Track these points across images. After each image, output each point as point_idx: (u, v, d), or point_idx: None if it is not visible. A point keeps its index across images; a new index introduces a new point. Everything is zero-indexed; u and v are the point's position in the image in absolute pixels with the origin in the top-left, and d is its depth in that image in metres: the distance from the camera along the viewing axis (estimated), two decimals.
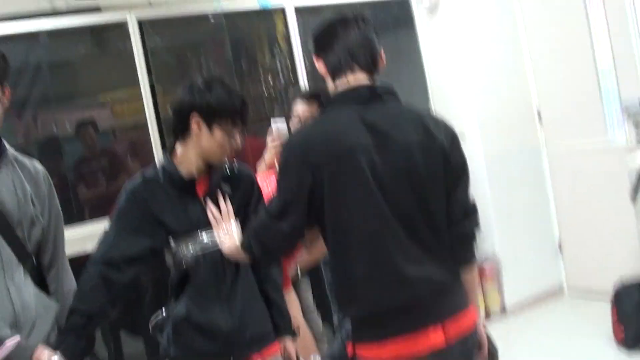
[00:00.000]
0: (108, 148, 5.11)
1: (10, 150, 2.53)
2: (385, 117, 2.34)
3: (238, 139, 2.65)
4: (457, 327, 2.33)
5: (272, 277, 2.85)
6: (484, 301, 5.92)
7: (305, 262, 3.58)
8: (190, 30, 5.23)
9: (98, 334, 4.65)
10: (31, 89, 4.61)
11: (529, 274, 6.06)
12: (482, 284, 5.86)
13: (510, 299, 6.02)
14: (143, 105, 4.83)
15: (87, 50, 4.93)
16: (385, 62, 2.47)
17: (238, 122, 2.63)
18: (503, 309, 5.99)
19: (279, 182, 2.37)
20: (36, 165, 2.62)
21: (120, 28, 4.77)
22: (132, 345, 4.96)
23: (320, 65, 2.45)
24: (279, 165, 2.39)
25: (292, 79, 5.49)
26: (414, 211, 2.30)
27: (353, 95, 2.37)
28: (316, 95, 3.48)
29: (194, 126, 2.60)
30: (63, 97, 4.87)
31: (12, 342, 1.85)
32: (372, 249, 2.27)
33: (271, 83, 5.58)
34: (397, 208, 2.28)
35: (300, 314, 3.19)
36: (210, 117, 2.58)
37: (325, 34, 2.44)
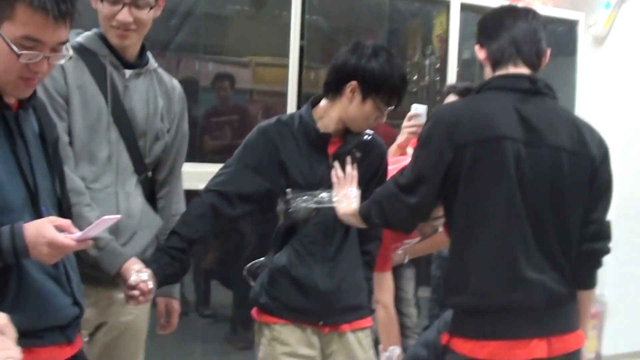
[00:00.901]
0: (241, 106, 5.12)
1: (152, 61, 2.52)
2: (541, 113, 2.24)
3: (384, 117, 2.58)
4: (563, 344, 2.23)
5: (371, 253, 2.75)
6: None
7: (417, 250, 3.46)
8: (352, 12, 5.18)
9: (189, 278, 4.73)
10: (180, 33, 4.66)
11: (636, 326, 5.67)
12: None
13: (608, 349, 5.65)
14: (287, 74, 4.80)
15: (243, 8, 4.95)
16: (547, 60, 2.37)
17: (394, 101, 2.55)
18: (598, 358, 5.63)
19: (416, 154, 2.29)
20: (174, 83, 2.62)
21: None
22: (219, 294, 4.98)
23: (482, 54, 2.36)
24: (420, 137, 2.30)
25: (439, 78, 5.36)
26: (548, 217, 2.20)
27: (512, 82, 2.27)
28: (470, 90, 3.35)
29: (348, 91, 2.52)
30: (209, 48, 4.91)
31: (110, 218, 1.79)
32: (497, 242, 2.18)
33: (415, 79, 5.47)
34: (531, 209, 2.18)
35: (392, 300, 3.07)
36: (369, 89, 2.50)
37: (493, 22, 2.37)
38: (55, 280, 1.88)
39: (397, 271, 3.39)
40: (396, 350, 2.95)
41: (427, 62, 5.51)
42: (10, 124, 1.83)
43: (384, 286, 3.02)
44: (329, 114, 2.58)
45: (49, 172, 1.95)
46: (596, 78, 5.71)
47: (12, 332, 1.63)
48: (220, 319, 5.03)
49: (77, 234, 1.77)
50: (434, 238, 3.30)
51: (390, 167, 2.77)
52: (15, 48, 1.73)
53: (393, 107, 2.55)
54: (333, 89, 2.56)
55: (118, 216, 1.84)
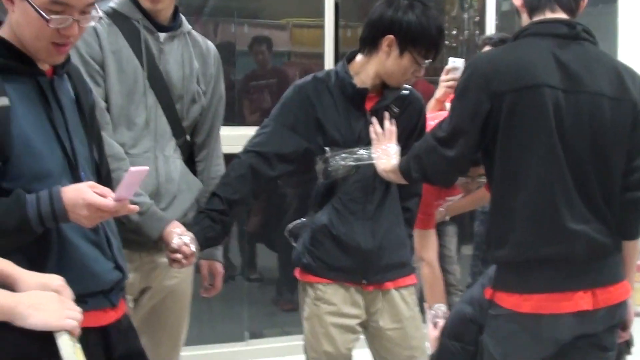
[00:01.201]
0: (279, 68, 5.10)
1: (185, 24, 2.50)
2: (580, 58, 2.17)
3: (423, 70, 2.53)
4: (607, 296, 2.19)
5: (411, 210, 2.73)
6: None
7: (458, 207, 3.43)
8: None
9: (235, 244, 4.76)
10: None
11: None
12: None
13: None
14: (323, 34, 4.76)
15: None
16: (586, 3, 2.28)
17: (431, 54, 2.50)
18: None
19: (453, 106, 2.24)
20: (209, 45, 2.60)
21: None
22: (266, 257, 5.00)
23: (518, 1, 2.28)
24: (457, 88, 2.25)
25: (478, 32, 5.29)
26: (590, 165, 2.15)
27: (550, 28, 2.20)
28: (506, 41, 3.27)
29: (384, 46, 2.47)
30: (245, 11, 4.88)
31: (137, 169, 1.78)
32: (538, 193, 2.13)
33: (455, 34, 5.40)
34: (572, 157, 2.13)
35: (436, 258, 3.05)
36: (406, 42, 2.45)
37: None
38: (96, 245, 1.89)
39: (439, 229, 3.36)
40: (442, 308, 2.93)
41: (465, 15, 5.43)
42: (45, 90, 1.83)
43: (428, 243, 3.00)
44: (366, 69, 2.54)
45: (87, 139, 1.95)
46: (638, 24, 5.58)
47: (69, 292, 1.67)
48: (267, 282, 5.08)
49: (113, 195, 1.77)
50: (475, 194, 3.25)
51: (429, 123, 2.73)
52: (44, 14, 1.72)
53: (431, 60, 2.51)
54: (369, 43, 2.52)
55: (146, 168, 1.81)
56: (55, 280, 1.66)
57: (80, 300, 1.75)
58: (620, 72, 2.20)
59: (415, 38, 2.44)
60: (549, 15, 2.21)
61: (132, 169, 1.78)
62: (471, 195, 3.29)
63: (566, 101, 2.12)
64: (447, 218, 3.50)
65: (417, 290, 2.79)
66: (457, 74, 3.24)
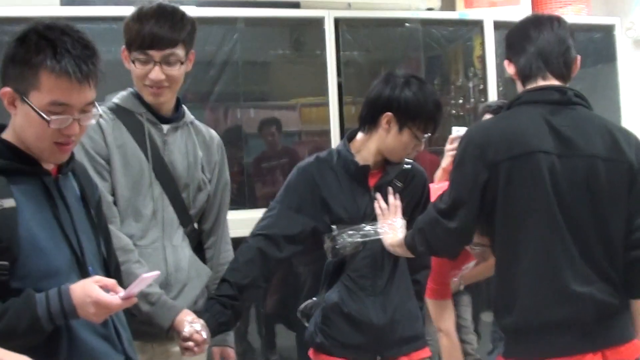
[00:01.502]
0: (290, 148, 5.15)
1: (188, 114, 2.55)
2: (573, 123, 2.21)
3: (423, 144, 2.58)
4: (618, 356, 2.18)
5: (420, 282, 2.74)
6: None
7: (472, 275, 3.41)
8: (386, 43, 5.18)
9: (254, 326, 4.72)
10: (224, 83, 4.72)
11: None
12: None
13: None
14: (328, 112, 4.82)
15: (282, 51, 4.99)
16: (578, 67, 2.33)
17: (430, 128, 2.54)
18: None
19: (452, 177, 2.28)
20: (212, 133, 2.64)
21: (317, 27, 4.76)
22: (285, 337, 4.95)
23: (511, 69, 2.36)
24: (454, 160, 2.29)
25: (483, 99, 5.32)
26: (590, 227, 2.17)
27: (541, 95, 2.25)
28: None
29: (384, 123, 2.53)
30: (253, 95, 4.96)
31: (149, 275, 1.83)
32: (541, 258, 2.15)
33: (461, 103, 5.43)
34: (572, 221, 2.15)
35: (454, 328, 3.03)
36: (405, 119, 2.51)
37: (518, 36, 2.35)
38: (105, 338, 1.90)
39: (454, 299, 3.34)
40: None
41: (470, 84, 5.46)
42: (50, 189, 1.86)
43: (445, 314, 2.99)
44: (367, 147, 2.58)
45: (93, 234, 1.98)
46: (638, 79, 5.60)
47: None
48: None
49: (122, 293, 1.80)
50: (488, 262, 3.24)
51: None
52: (44, 115, 1.77)
53: (430, 134, 2.54)
54: (369, 121, 2.57)
55: (157, 272, 1.87)
56: None
57: None
58: (613, 134, 2.23)
59: (413, 114, 2.49)
60: (540, 82, 2.26)
61: (144, 275, 1.82)
62: (484, 263, 3.27)
63: (561, 165, 2.14)
64: (462, 287, 3.48)
65: None
66: None
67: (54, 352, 1.79)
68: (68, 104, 1.80)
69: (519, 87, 2.33)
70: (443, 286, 2.96)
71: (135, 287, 1.81)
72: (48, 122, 1.78)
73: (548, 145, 2.15)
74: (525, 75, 2.29)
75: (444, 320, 2.98)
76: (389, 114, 2.50)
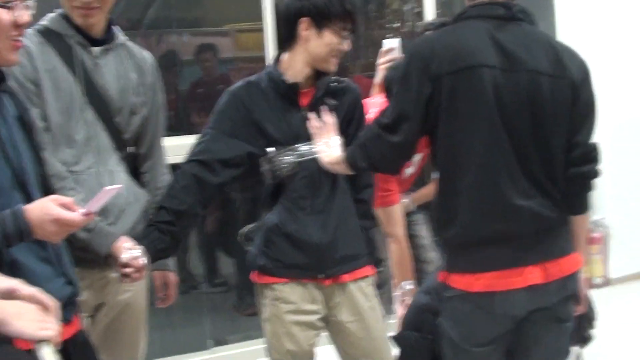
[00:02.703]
0: (225, 75, 5.10)
1: (121, 37, 2.49)
2: (518, 38, 2.20)
3: (348, 43, 2.56)
4: (558, 268, 2.22)
5: (366, 201, 2.74)
6: (587, 270, 5.56)
7: (423, 195, 3.43)
8: None
9: (195, 253, 4.74)
10: (157, 8, 4.64)
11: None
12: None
13: (615, 272, 5.63)
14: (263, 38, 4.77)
15: None
16: None
17: (348, 24, 2.53)
18: (606, 281, 5.60)
19: (395, 91, 2.25)
20: (145, 55, 2.59)
21: None
22: (228, 265, 4.99)
23: None
24: (397, 74, 2.27)
25: (420, 22, 5.32)
26: (531, 143, 2.18)
27: (487, 10, 2.22)
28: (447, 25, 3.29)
29: (302, 31, 2.50)
30: (187, 22, 4.88)
31: (111, 188, 1.86)
32: (481, 173, 2.16)
33: (397, 26, 5.43)
34: (514, 136, 2.16)
35: (403, 233, 3.02)
36: (320, 19, 2.49)
37: None
38: (46, 261, 1.88)
39: (408, 219, 3.34)
40: (409, 285, 2.90)
41: (405, 7, 5.45)
42: None
43: (393, 219, 2.98)
44: (294, 63, 2.56)
45: (33, 156, 1.96)
46: (574, 2, 5.64)
47: (49, 302, 1.61)
48: (230, 288, 5.06)
49: (82, 209, 1.79)
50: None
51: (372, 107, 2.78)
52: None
53: (350, 31, 2.54)
54: (288, 37, 2.55)
55: (120, 185, 1.91)
56: (28, 289, 1.62)
57: None
58: (558, 51, 2.23)
59: (328, 13, 2.48)
60: None
61: (107, 188, 1.83)
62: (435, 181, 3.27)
63: (505, 80, 2.14)
64: (414, 208, 3.48)
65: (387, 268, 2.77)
66: (394, 54, 3.22)
67: None
68: None
69: (466, 3, 2.29)
70: (386, 192, 2.94)
71: (96, 203, 1.80)
72: (9, 8, 1.80)
73: (492, 59, 2.14)
74: None
75: (392, 225, 2.97)
76: (305, 19, 2.49)
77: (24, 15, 1.83)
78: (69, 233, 1.83)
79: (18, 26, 1.84)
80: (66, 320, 1.90)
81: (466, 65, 2.13)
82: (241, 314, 4.82)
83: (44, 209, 1.75)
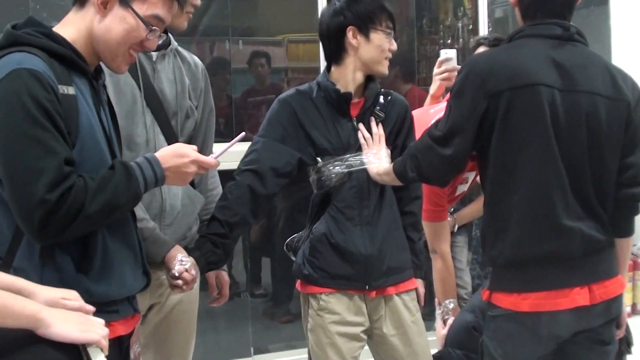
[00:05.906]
0: (277, 84, 5.14)
1: (173, 42, 2.55)
2: (575, 59, 2.20)
3: (393, 42, 2.59)
4: (604, 290, 2.21)
5: (414, 213, 2.74)
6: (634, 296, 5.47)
7: (467, 215, 3.41)
8: None
9: (239, 261, 4.76)
10: (213, 19, 4.69)
11: None
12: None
13: None
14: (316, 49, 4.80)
15: None
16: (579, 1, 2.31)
17: (390, 22, 2.57)
18: (634, 309, 5.49)
19: (450, 105, 2.25)
20: (196, 60, 2.64)
21: None
22: (266, 272, 5.01)
23: (513, 1, 2.31)
24: (454, 88, 2.27)
25: (471, 40, 5.32)
26: (584, 163, 2.18)
27: (544, 30, 2.23)
28: (501, 41, 3.28)
29: (351, 40, 2.53)
30: (241, 30, 4.94)
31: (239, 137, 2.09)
32: (533, 191, 2.15)
33: (449, 43, 5.43)
34: (568, 155, 2.15)
35: (449, 251, 2.96)
36: (365, 25, 2.52)
37: None
38: (132, 249, 1.95)
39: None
40: (451, 305, 2.88)
41: (459, 24, 5.44)
42: (97, 90, 1.95)
43: (441, 236, 2.95)
44: (344, 74, 2.58)
45: (119, 144, 2.06)
46: (631, 25, 5.57)
47: (89, 309, 1.67)
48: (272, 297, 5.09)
49: (213, 154, 2.09)
50: (481, 200, 3.24)
51: (429, 112, 2.82)
52: (147, 23, 1.91)
53: (393, 30, 2.58)
54: (337, 50, 2.57)
55: (242, 134, 2.15)
56: (73, 294, 1.67)
57: (113, 309, 1.85)
58: (612, 73, 2.23)
59: (371, 13, 2.52)
60: (541, 18, 2.24)
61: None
62: (479, 201, 3.24)
63: (562, 100, 2.14)
64: (456, 229, 3.45)
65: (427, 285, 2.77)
66: (451, 65, 3.22)
67: (89, 259, 1.82)
68: (163, 21, 1.96)
69: (519, 18, 2.30)
70: (437, 207, 2.91)
71: (221, 150, 2.03)
72: (150, 31, 1.91)
73: (550, 78, 2.14)
74: (527, 10, 2.26)
75: (439, 242, 2.93)
76: (350, 28, 2.51)
77: (153, 42, 1.95)
78: (200, 176, 2.04)
79: (143, 46, 1.94)
80: (136, 310, 1.98)
81: (524, 82, 2.13)
82: (277, 321, 4.85)
83: (179, 153, 1.97)
